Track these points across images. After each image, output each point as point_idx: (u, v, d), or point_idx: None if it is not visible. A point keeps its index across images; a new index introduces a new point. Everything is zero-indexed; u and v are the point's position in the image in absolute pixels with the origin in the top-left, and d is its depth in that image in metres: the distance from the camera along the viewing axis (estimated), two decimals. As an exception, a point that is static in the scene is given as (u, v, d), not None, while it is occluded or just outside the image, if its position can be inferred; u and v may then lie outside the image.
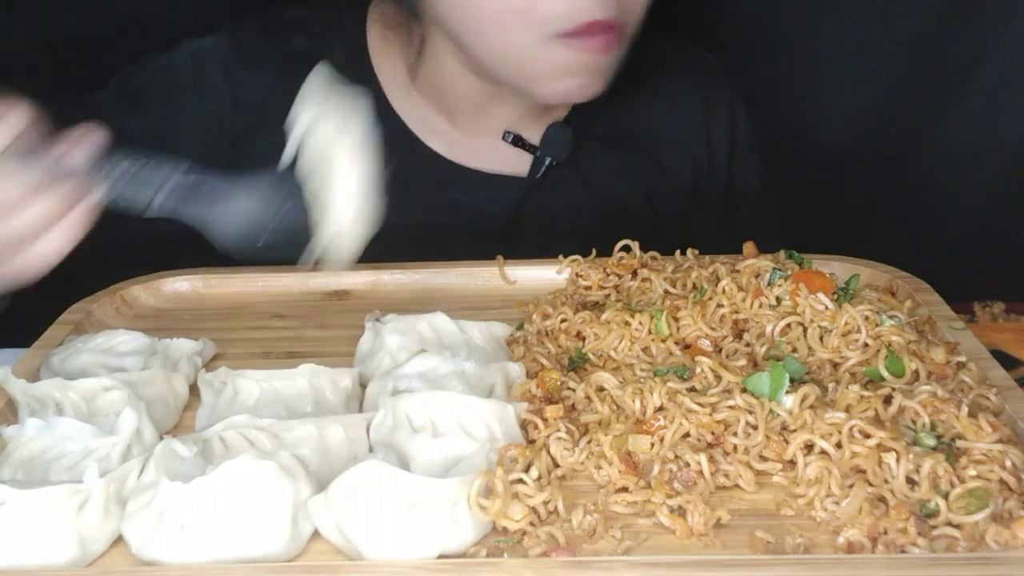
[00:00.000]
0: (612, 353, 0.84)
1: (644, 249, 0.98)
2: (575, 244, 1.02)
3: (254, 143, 1.13)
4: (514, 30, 1.00)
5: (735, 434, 0.72)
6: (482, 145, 1.17)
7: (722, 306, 0.86)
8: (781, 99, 1.49)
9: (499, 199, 1.16)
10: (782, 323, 0.83)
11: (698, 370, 0.77)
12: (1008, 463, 0.67)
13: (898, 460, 0.68)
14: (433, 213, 1.15)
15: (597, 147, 1.19)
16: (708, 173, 1.25)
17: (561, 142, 1.16)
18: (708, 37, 1.47)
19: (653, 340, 0.84)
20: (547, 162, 1.16)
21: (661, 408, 0.74)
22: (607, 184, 1.19)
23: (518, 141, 1.16)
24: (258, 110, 1.10)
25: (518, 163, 1.17)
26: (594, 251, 1.00)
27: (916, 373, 0.77)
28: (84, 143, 0.81)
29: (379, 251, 0.95)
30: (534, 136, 1.17)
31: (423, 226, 1.13)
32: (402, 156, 1.14)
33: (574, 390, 0.78)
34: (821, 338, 0.81)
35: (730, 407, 0.72)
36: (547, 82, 1.04)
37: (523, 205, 1.16)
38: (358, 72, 1.14)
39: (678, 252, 0.98)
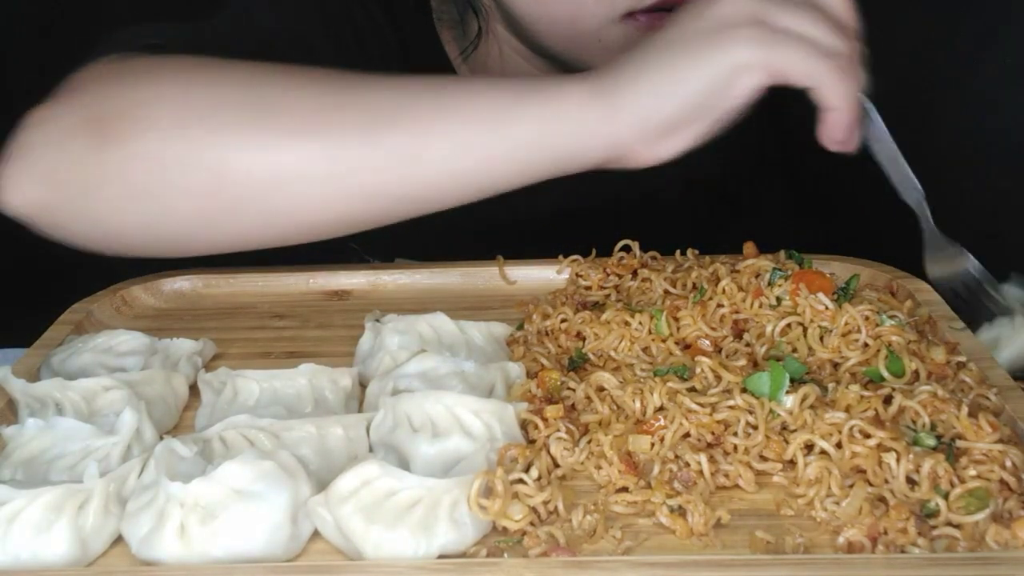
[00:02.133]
0: (612, 353, 0.84)
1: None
2: (617, 238, 1.00)
3: None
4: (584, 13, 0.99)
5: (735, 434, 0.72)
6: None
7: (722, 306, 0.86)
8: (782, 100, 1.49)
9: (551, 186, 1.15)
10: (782, 323, 0.83)
11: (698, 370, 0.77)
12: (1008, 463, 0.67)
13: (898, 460, 0.68)
14: (486, 205, 1.14)
15: None
16: (736, 172, 1.24)
17: None
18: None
19: (653, 340, 0.84)
20: None
21: (661, 408, 0.74)
22: (650, 175, 1.18)
23: None
24: None
25: None
26: (594, 251, 1.00)
27: (916, 373, 0.77)
28: None
29: (429, 244, 0.93)
30: None
31: (475, 219, 1.12)
32: None
33: (574, 390, 0.78)
34: (821, 338, 0.81)
35: (730, 407, 0.72)
36: (614, 57, 1.03)
37: (572, 196, 1.14)
38: (429, 51, 1.13)
39: (678, 252, 0.98)
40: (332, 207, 0.80)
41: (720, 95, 0.75)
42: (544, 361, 0.83)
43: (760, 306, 0.85)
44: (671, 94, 0.75)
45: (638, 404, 0.74)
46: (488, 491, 0.65)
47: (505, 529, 0.65)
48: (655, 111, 0.76)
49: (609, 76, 0.78)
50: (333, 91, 0.80)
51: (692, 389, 0.75)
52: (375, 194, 0.79)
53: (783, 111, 0.86)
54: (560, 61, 1.08)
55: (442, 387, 0.76)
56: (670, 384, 0.75)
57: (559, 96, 0.77)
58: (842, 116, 0.78)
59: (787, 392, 0.73)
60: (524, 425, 0.74)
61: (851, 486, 0.67)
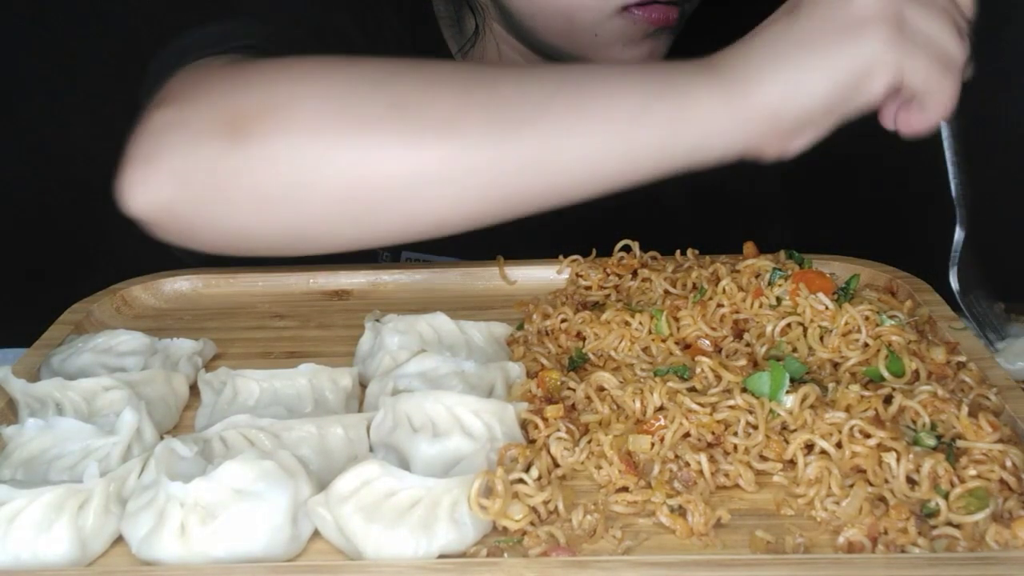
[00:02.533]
0: (612, 353, 0.84)
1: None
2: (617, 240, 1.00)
3: None
4: (579, 7, 0.99)
5: (735, 434, 0.72)
6: None
7: (722, 306, 0.86)
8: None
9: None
10: (782, 323, 0.83)
11: (698, 370, 0.77)
12: (1008, 463, 0.68)
13: (898, 460, 0.68)
14: None
15: None
16: (733, 193, 1.24)
17: None
18: (712, 37, 1.47)
19: (653, 340, 0.84)
20: None
21: (661, 408, 0.74)
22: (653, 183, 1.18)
23: None
24: None
25: None
26: (594, 251, 1.00)
27: (916, 373, 0.77)
28: None
29: (434, 241, 0.93)
30: None
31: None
32: None
33: (574, 390, 0.78)
34: (821, 338, 0.81)
35: (730, 407, 0.72)
36: (611, 51, 1.02)
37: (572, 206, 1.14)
38: (434, 50, 1.13)
39: (678, 252, 0.98)
40: (469, 205, 0.78)
41: (853, 93, 0.74)
42: (544, 361, 0.83)
43: (760, 306, 0.85)
44: (805, 91, 0.74)
45: (638, 404, 0.74)
46: (488, 491, 0.65)
47: (505, 529, 0.65)
48: (788, 108, 0.74)
49: (739, 68, 0.76)
50: (467, 88, 0.78)
51: (692, 389, 0.75)
52: (512, 192, 0.78)
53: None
54: (558, 59, 1.08)
55: (442, 387, 0.76)
56: (670, 384, 0.75)
57: (690, 93, 0.76)
58: (928, 122, 0.77)
59: (787, 392, 0.73)
60: (524, 425, 0.74)
61: (851, 486, 0.67)
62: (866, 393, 0.73)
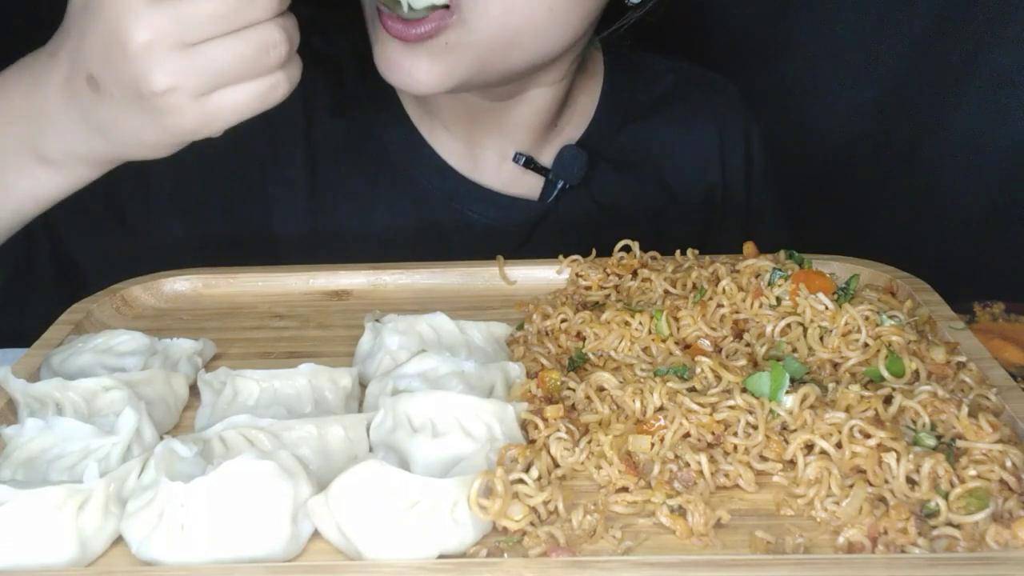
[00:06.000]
0: (612, 353, 0.84)
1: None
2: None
3: (266, 142, 1.11)
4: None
5: (735, 434, 0.72)
6: (490, 162, 1.15)
7: (722, 306, 0.86)
8: (782, 100, 1.49)
9: (510, 219, 1.15)
10: (782, 323, 0.83)
11: (698, 370, 0.77)
12: (1008, 463, 0.68)
13: (898, 460, 0.68)
14: (443, 226, 1.14)
15: (610, 170, 1.18)
16: (723, 201, 1.24)
17: (575, 166, 1.15)
18: (711, 38, 1.47)
19: (653, 340, 0.84)
20: (559, 185, 1.15)
21: (661, 408, 0.74)
22: (619, 208, 1.18)
23: (530, 163, 1.15)
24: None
25: (530, 183, 1.16)
26: (594, 251, 1.00)
27: (916, 373, 0.77)
28: None
29: (387, 258, 0.93)
30: (546, 158, 1.16)
31: (433, 237, 1.12)
32: (415, 164, 1.13)
33: (574, 390, 0.78)
34: (821, 338, 0.81)
35: (730, 407, 0.72)
36: (383, 69, 0.97)
37: (535, 228, 1.15)
38: (373, 75, 1.12)
39: (678, 252, 0.98)
40: None
41: None
42: (544, 361, 0.83)
43: (760, 306, 0.85)
44: None
45: (638, 404, 0.74)
46: (488, 491, 0.65)
47: (505, 529, 0.65)
48: None
49: None
50: None
51: (692, 389, 0.75)
52: None
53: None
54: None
55: (442, 387, 0.76)
56: (670, 384, 0.75)
57: None
58: None
59: (787, 392, 0.73)
60: (524, 425, 0.74)
61: (851, 486, 0.67)
62: (866, 393, 0.73)
